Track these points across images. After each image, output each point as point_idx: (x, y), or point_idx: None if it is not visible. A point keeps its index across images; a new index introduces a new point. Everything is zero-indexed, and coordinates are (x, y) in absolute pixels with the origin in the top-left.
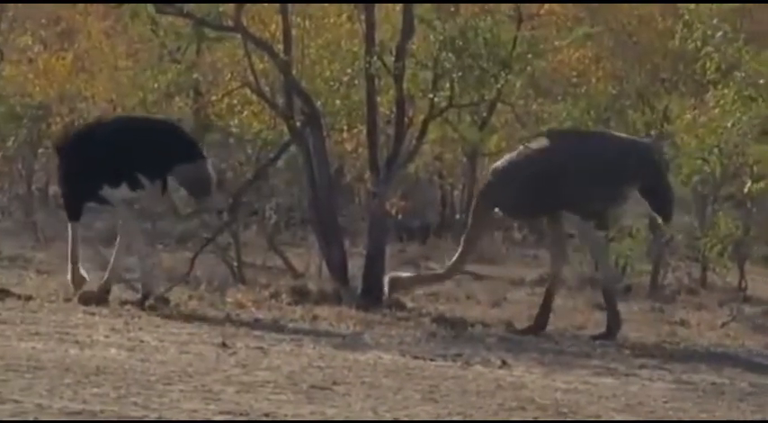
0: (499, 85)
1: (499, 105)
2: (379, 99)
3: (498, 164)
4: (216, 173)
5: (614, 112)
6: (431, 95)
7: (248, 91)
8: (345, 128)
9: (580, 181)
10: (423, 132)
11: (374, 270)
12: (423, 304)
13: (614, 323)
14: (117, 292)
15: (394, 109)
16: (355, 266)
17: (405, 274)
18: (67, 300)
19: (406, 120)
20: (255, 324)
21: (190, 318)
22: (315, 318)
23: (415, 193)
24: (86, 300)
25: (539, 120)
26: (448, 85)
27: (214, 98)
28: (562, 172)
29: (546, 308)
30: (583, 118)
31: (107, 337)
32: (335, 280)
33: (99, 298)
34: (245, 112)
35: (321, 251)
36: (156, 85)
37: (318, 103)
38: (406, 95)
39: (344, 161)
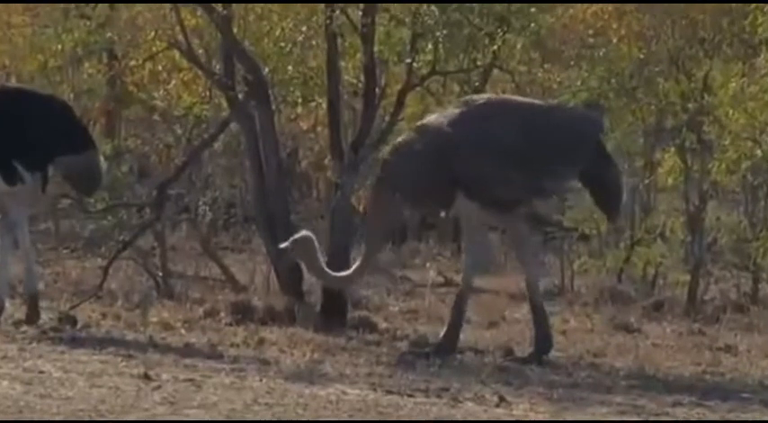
0: (495, 47)
1: (495, 72)
2: (342, 64)
3: (400, 138)
4: (136, 159)
5: (641, 81)
6: (408, 60)
7: (177, 54)
8: (300, 101)
9: (481, 161)
10: (398, 106)
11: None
12: (398, 324)
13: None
14: (10, 309)
15: (362, 77)
16: (312, 277)
17: (314, 244)
18: None
19: (377, 91)
20: (186, 350)
21: (103, 342)
22: (261, 342)
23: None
24: None
25: (545, 90)
26: (430, 46)
27: (133, 63)
28: (459, 148)
29: (541, 325)
30: (602, 87)
31: None
32: (287, 294)
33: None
34: (173, 82)
35: (269, 257)
36: (59, 48)
37: (266, 69)
38: (377, 60)
39: (299, 143)
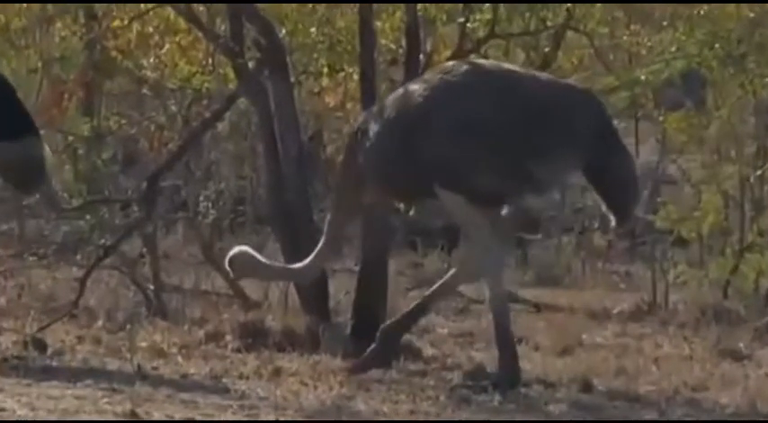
0: (569, 4)
1: (570, 35)
2: (378, 25)
3: (368, 111)
4: (120, 143)
5: (752, 46)
6: (461, 19)
7: (171, 12)
8: (325, 70)
9: (457, 143)
10: None
11: (370, 296)
12: (449, 350)
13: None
14: None
15: (403, 41)
16: (341, 290)
17: (251, 254)
18: None
19: (421, 58)
20: (183, 382)
21: (79, 372)
22: (277, 373)
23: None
24: None
25: (632, 56)
26: (488, 4)
27: (117, 24)
28: (432, 128)
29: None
30: (702, 54)
31: None
32: (310, 313)
33: None
34: (167, 47)
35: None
36: (25, 6)
37: (283, 31)
38: (421, 19)
39: (324, 123)
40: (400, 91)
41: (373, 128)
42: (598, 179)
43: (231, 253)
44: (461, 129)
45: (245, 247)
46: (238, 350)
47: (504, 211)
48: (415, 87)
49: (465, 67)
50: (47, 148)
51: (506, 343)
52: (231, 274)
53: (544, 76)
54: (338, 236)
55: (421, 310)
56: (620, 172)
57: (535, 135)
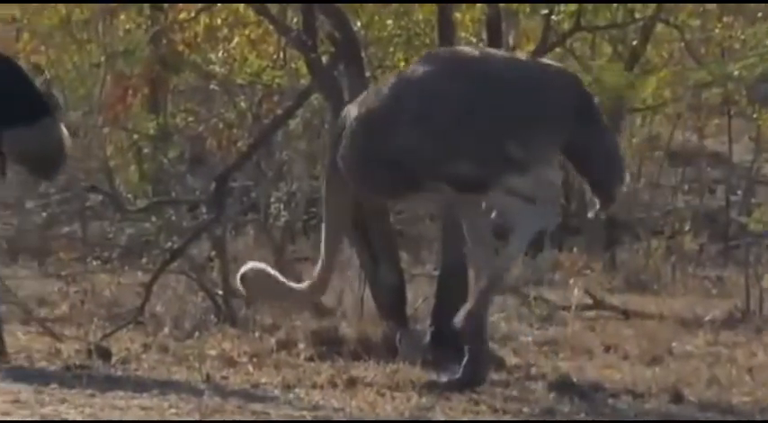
0: None
1: (660, 28)
2: (458, 16)
3: (344, 110)
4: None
5: None
6: (545, 11)
7: (241, 4)
8: (402, 64)
9: (425, 132)
10: None
11: (450, 302)
12: (533, 359)
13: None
14: (22, 338)
15: (484, 34)
16: (419, 296)
17: (266, 271)
18: None
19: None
20: (254, 393)
21: (145, 382)
22: (352, 382)
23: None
24: None
25: (725, 50)
26: None
27: (184, 16)
28: (401, 118)
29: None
30: None
31: (6, 414)
32: (387, 319)
33: None
34: (236, 40)
35: (363, 271)
36: None
37: (358, 23)
38: (503, 11)
39: None
40: (379, 85)
41: (348, 127)
42: (578, 158)
43: (245, 269)
44: (429, 116)
45: (259, 265)
46: (311, 359)
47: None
48: (386, 81)
49: (436, 53)
50: (65, 131)
51: (481, 342)
52: (243, 293)
53: (521, 57)
54: (337, 245)
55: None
56: (601, 150)
57: (509, 116)
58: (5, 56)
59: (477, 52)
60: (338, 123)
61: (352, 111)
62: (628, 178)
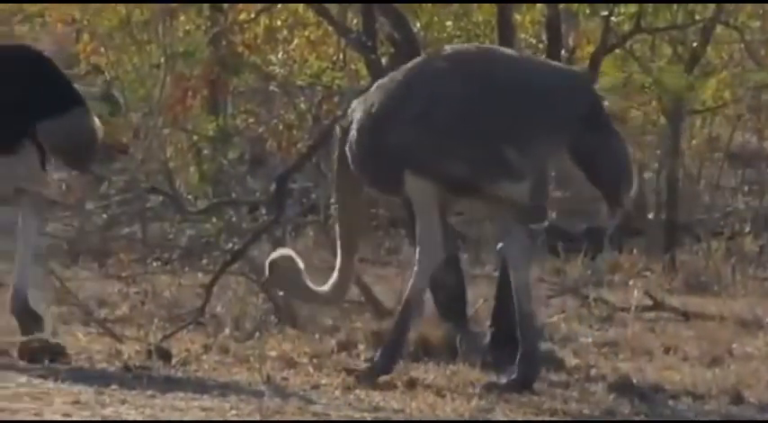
0: None
1: (720, 29)
2: (518, 18)
3: (350, 107)
4: (247, 143)
5: None
6: (605, 12)
7: (300, 5)
8: None
9: (420, 128)
10: (592, 75)
11: (511, 304)
12: (593, 361)
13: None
14: (83, 339)
15: (543, 35)
16: (480, 297)
17: (296, 265)
18: (2, 353)
19: (563, 53)
20: (314, 393)
21: (206, 383)
22: (412, 384)
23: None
24: (31, 353)
25: None
26: None
27: (244, 17)
28: (396, 115)
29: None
30: None
31: (67, 415)
32: (447, 320)
33: (50, 349)
34: (296, 41)
35: None
36: None
37: (417, 24)
38: (563, 12)
39: None
40: (380, 82)
41: (352, 124)
42: (586, 163)
43: (277, 254)
44: (427, 114)
45: (290, 253)
46: (371, 360)
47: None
48: (392, 77)
49: (441, 52)
50: (97, 120)
51: (399, 335)
52: (267, 281)
53: (529, 57)
54: (353, 244)
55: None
56: (609, 156)
57: (510, 119)
58: (35, 49)
59: (485, 52)
60: (346, 118)
61: (358, 106)
62: (636, 184)
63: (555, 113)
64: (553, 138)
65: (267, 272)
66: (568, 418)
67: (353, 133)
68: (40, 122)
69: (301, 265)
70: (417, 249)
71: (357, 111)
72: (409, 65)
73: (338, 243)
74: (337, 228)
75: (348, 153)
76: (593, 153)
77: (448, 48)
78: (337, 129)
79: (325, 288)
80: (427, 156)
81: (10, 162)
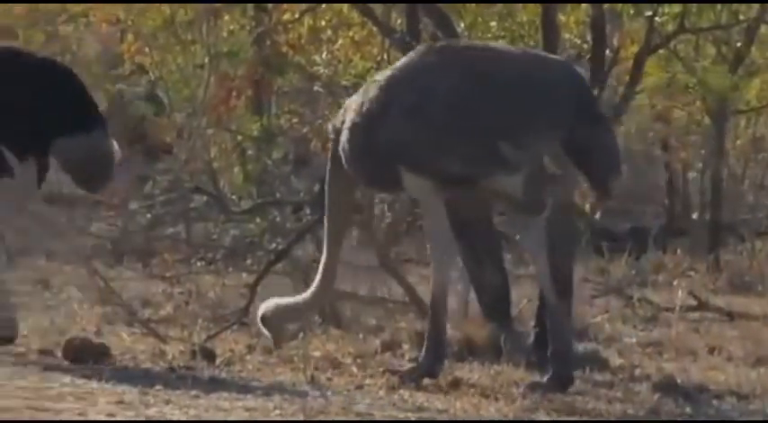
0: None
1: (764, 29)
2: (562, 18)
3: (351, 98)
4: (292, 143)
5: None
6: (649, 13)
7: (344, 5)
8: None
9: (412, 124)
10: (636, 74)
11: None
12: (637, 360)
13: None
14: (127, 339)
15: (588, 35)
16: (523, 297)
17: (276, 304)
18: (44, 352)
19: (607, 53)
20: (358, 394)
21: (250, 383)
22: (456, 384)
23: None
24: (75, 352)
25: None
26: None
27: (288, 17)
28: (388, 111)
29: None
30: None
31: (111, 415)
32: (491, 320)
33: (95, 349)
34: (341, 41)
35: (468, 272)
36: None
37: (461, 25)
38: (607, 13)
39: None
40: (375, 78)
41: (344, 123)
42: (576, 153)
43: (262, 311)
44: (418, 109)
45: (272, 301)
46: (416, 360)
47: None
48: (383, 73)
49: (432, 47)
50: (115, 145)
51: (437, 334)
52: (269, 335)
53: (520, 50)
54: (339, 241)
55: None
56: (598, 144)
57: (503, 112)
58: (64, 66)
59: (475, 46)
60: (338, 117)
61: (350, 105)
62: (624, 171)
63: (548, 105)
64: (547, 130)
65: (265, 331)
66: (612, 418)
67: (346, 132)
68: (58, 139)
69: (277, 299)
70: (430, 246)
71: (349, 109)
72: (399, 62)
73: (325, 243)
74: (326, 227)
75: (341, 153)
76: (583, 143)
77: (437, 44)
78: (330, 128)
79: (307, 294)
80: (420, 152)
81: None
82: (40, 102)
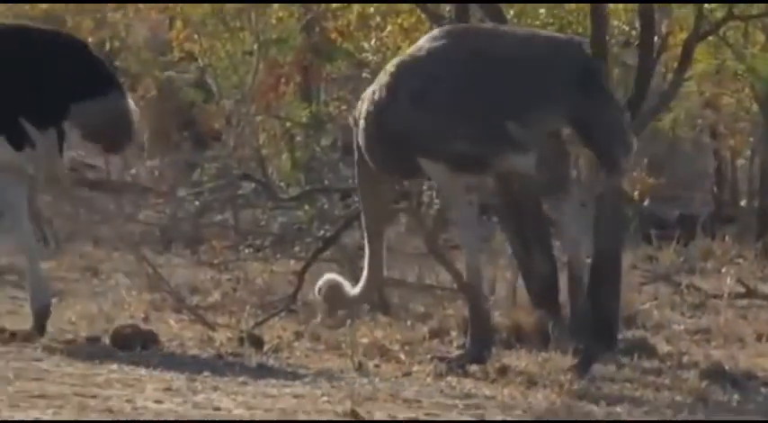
0: None
1: None
2: (611, 6)
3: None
4: (340, 130)
5: None
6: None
7: None
8: None
9: (420, 110)
10: (685, 61)
11: (603, 291)
12: (685, 348)
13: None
14: (175, 326)
15: (636, 22)
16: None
17: (337, 282)
18: (94, 339)
19: (656, 40)
20: (406, 381)
21: (297, 370)
22: (504, 371)
23: (672, 164)
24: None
25: None
26: None
27: (337, 5)
28: (397, 97)
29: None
30: None
31: (159, 402)
32: (539, 307)
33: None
34: (389, 28)
35: (516, 259)
36: None
37: (510, 12)
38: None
39: None
40: (388, 66)
41: (361, 112)
42: (583, 132)
43: (323, 282)
44: (424, 95)
45: (334, 278)
46: (463, 347)
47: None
48: (394, 60)
49: (441, 31)
50: (132, 103)
51: (479, 319)
52: (323, 306)
53: (526, 30)
54: (380, 234)
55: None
56: (605, 121)
57: (510, 93)
58: (71, 34)
59: (481, 27)
60: (357, 109)
61: (365, 95)
62: (633, 150)
63: (552, 84)
64: (552, 108)
65: (320, 299)
66: (660, 405)
67: (361, 122)
68: (74, 105)
69: (340, 278)
70: (459, 232)
71: (365, 100)
72: (411, 48)
73: (365, 238)
74: (363, 222)
75: (360, 143)
76: (589, 119)
77: (445, 27)
78: (351, 120)
79: (358, 288)
80: (428, 137)
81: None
82: (55, 71)
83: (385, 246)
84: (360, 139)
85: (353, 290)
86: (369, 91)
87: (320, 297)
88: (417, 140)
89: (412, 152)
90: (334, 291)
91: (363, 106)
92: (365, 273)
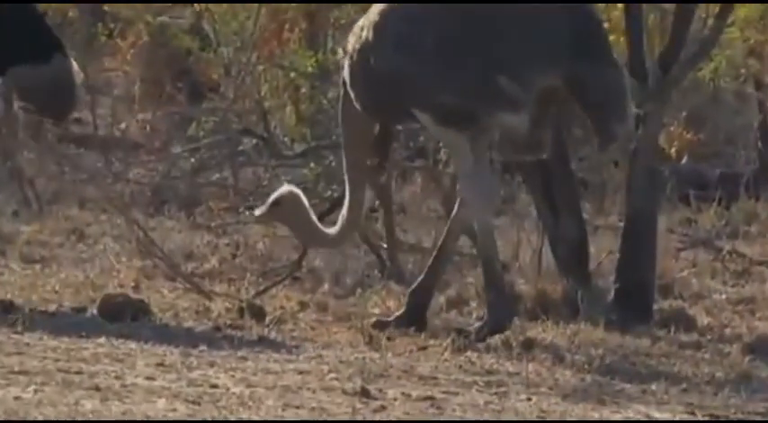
0: None
1: None
2: None
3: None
4: None
5: None
6: None
7: None
8: None
9: (407, 57)
10: (726, 6)
11: (637, 257)
12: (727, 319)
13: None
14: (168, 295)
15: None
16: (603, 250)
17: (302, 202)
18: (80, 310)
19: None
20: (422, 355)
21: (301, 343)
22: (529, 345)
23: (713, 118)
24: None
25: None
26: None
27: None
28: (384, 43)
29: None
30: None
31: (150, 378)
32: (567, 275)
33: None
34: None
35: (542, 223)
36: None
37: None
38: None
39: None
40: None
41: (346, 58)
42: (577, 92)
43: (279, 193)
44: (410, 39)
45: (296, 191)
46: (483, 318)
47: None
48: (381, 5)
49: None
50: (77, 68)
51: (494, 281)
52: (267, 215)
53: None
54: (361, 181)
55: (439, 261)
56: (600, 85)
57: (502, 47)
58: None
59: None
60: (345, 50)
61: (356, 26)
62: (632, 115)
63: (547, 40)
64: (546, 65)
65: (269, 206)
66: (699, 382)
67: (347, 58)
68: (15, 68)
69: (306, 202)
70: (460, 187)
71: (353, 34)
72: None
73: (346, 181)
74: (344, 164)
75: (346, 79)
76: (584, 81)
77: None
78: (341, 62)
79: (334, 229)
80: (414, 84)
81: None
82: None
83: (366, 186)
84: (345, 74)
85: (331, 230)
86: (358, 26)
87: (270, 203)
88: (403, 87)
89: (397, 98)
90: (295, 204)
91: (351, 41)
92: (344, 212)
